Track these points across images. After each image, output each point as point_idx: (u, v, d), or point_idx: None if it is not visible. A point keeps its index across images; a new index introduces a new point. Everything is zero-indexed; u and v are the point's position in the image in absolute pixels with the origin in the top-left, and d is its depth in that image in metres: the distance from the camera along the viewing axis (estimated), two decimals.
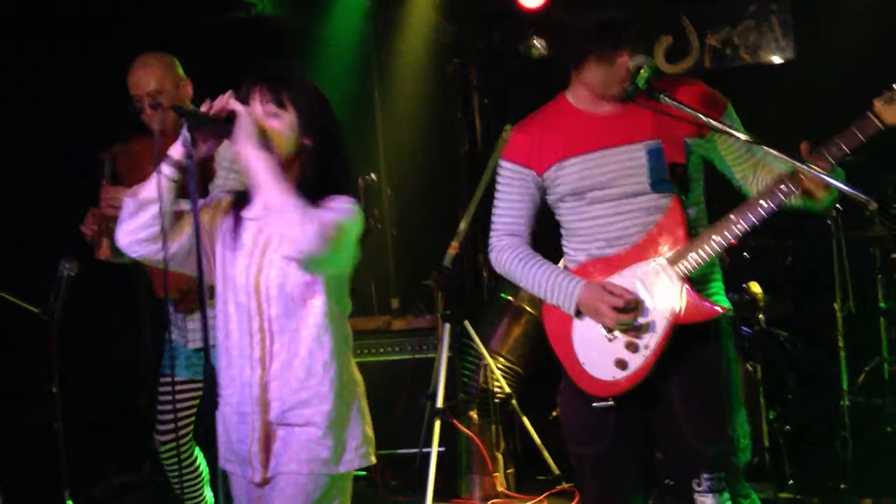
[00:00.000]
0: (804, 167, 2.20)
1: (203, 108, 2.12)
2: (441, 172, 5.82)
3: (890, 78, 2.82)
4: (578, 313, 2.42)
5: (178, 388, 3.23)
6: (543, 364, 4.88)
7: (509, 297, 4.78)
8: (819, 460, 4.28)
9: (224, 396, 2.21)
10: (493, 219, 2.58)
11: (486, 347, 4.50)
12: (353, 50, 5.67)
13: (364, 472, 4.63)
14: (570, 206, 2.47)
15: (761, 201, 2.30)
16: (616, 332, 2.37)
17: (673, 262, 2.34)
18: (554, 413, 5.10)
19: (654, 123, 2.37)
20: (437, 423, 4.04)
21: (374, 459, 2.29)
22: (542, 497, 4.32)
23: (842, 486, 3.88)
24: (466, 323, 4.40)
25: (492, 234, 2.58)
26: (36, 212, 3.26)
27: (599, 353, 2.39)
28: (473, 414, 4.46)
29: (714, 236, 2.33)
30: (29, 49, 4.42)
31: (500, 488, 4.40)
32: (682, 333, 2.33)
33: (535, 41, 5.72)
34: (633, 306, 2.32)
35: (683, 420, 2.38)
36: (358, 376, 2.30)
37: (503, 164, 2.54)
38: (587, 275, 2.42)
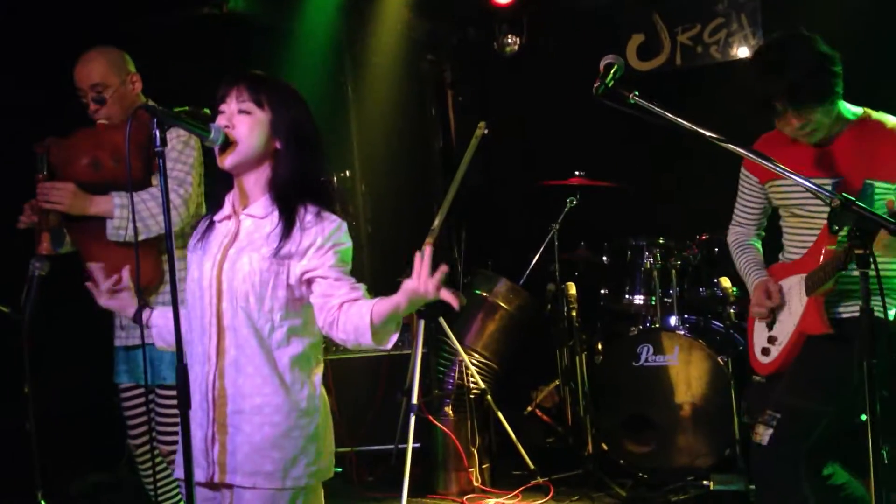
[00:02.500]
0: (769, 164, 2.24)
1: None
2: (415, 169, 5.83)
3: (859, 72, 2.88)
4: None
5: (126, 395, 3.20)
6: (518, 360, 4.97)
7: (484, 294, 4.81)
8: None
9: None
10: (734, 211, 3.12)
11: (461, 343, 4.52)
12: (327, 46, 5.65)
13: (340, 469, 4.64)
14: (782, 217, 2.96)
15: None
16: (773, 325, 2.84)
17: (808, 279, 2.72)
18: (528, 409, 5.15)
19: (846, 162, 2.70)
20: (413, 419, 4.06)
21: (330, 474, 2.23)
22: (517, 492, 4.35)
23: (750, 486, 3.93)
24: (441, 319, 4.42)
25: (731, 222, 3.13)
26: (5, 211, 3.23)
27: (758, 338, 2.93)
28: (449, 410, 4.48)
29: (835, 261, 2.58)
30: None
31: (475, 483, 4.43)
32: (821, 339, 2.68)
33: (508, 38, 5.75)
34: (772, 305, 2.82)
35: (785, 378, 2.80)
36: (324, 394, 2.24)
37: (741, 170, 3.00)
38: (772, 273, 2.93)
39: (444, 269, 1.96)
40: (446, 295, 1.97)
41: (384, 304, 2.05)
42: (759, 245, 3.08)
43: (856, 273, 2.31)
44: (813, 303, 2.70)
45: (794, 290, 2.79)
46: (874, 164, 2.66)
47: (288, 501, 2.13)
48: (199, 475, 2.15)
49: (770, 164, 2.26)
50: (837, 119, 2.71)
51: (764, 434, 2.67)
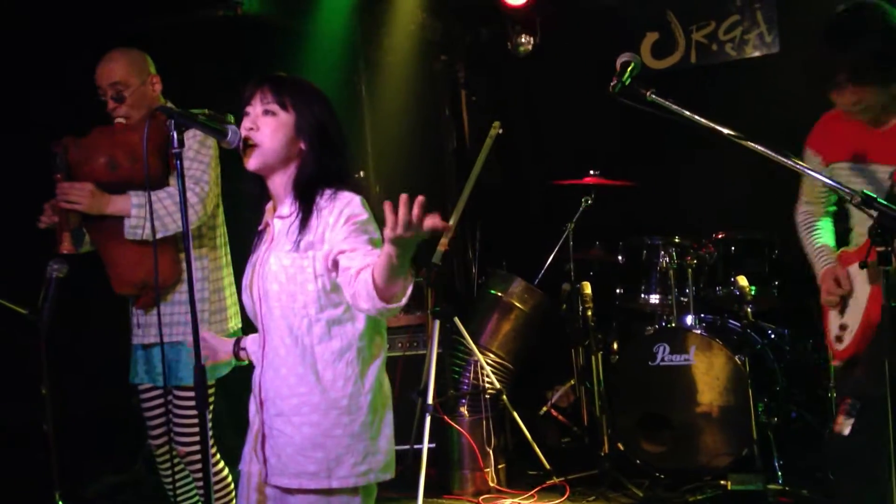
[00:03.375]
0: (788, 162, 2.22)
1: None
2: (429, 169, 5.83)
3: None
4: None
5: (145, 395, 3.22)
6: (533, 360, 4.96)
7: (499, 293, 4.80)
8: (807, 452, 4.32)
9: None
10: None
11: (476, 343, 4.51)
12: (340, 48, 5.67)
13: None
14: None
15: None
16: (844, 311, 2.78)
17: (871, 266, 2.56)
18: (544, 408, 5.14)
19: None
20: (428, 420, 4.06)
21: (388, 476, 2.21)
22: (532, 492, 4.34)
23: (830, 476, 3.91)
24: (456, 319, 4.41)
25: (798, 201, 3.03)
26: (24, 213, 3.25)
27: (832, 325, 2.87)
28: (464, 410, 4.47)
29: None
30: (15, 45, 4.40)
31: (491, 483, 4.42)
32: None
33: (522, 37, 5.75)
34: (842, 293, 2.76)
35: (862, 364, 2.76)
36: (385, 388, 2.22)
37: (804, 148, 2.88)
38: (841, 259, 2.84)
39: (419, 200, 1.86)
40: (428, 223, 1.86)
41: (379, 261, 1.96)
42: (829, 225, 2.96)
43: None
44: (877, 291, 2.64)
45: (860, 277, 2.73)
46: None
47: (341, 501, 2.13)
48: (255, 470, 2.23)
49: (788, 161, 2.24)
50: (893, 101, 2.65)
51: (844, 424, 2.66)
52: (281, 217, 2.22)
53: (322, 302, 2.13)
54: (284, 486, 2.15)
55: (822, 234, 2.92)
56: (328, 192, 2.17)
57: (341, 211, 2.13)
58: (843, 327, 2.80)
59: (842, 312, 2.82)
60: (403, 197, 1.85)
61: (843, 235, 2.94)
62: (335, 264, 2.11)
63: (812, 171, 2.23)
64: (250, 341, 2.35)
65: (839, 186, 2.19)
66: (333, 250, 2.10)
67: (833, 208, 2.97)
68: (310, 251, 2.13)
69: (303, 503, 2.14)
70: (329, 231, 2.11)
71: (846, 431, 2.67)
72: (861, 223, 2.78)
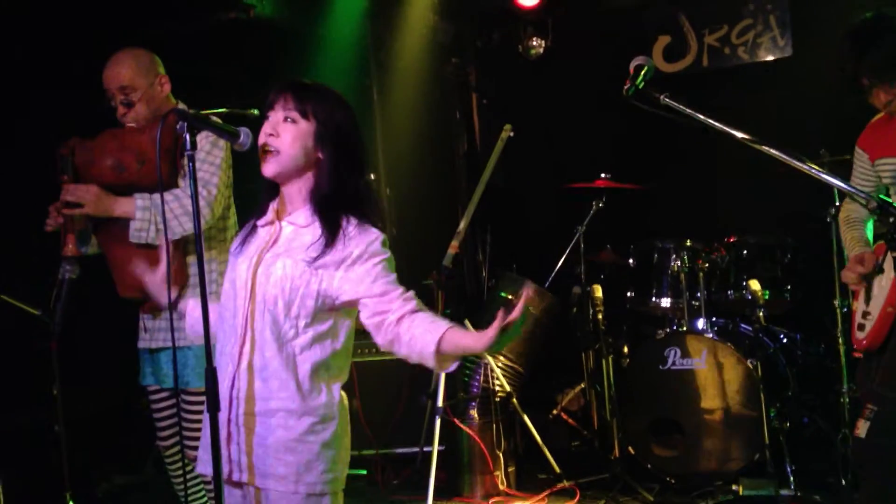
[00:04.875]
0: (803, 166, 2.21)
1: None
2: (440, 172, 5.83)
3: None
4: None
5: (153, 397, 3.21)
6: (543, 363, 4.95)
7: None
8: (819, 456, 4.30)
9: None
10: None
11: None
12: (352, 51, 5.68)
13: (364, 471, 4.65)
14: (892, 194, 2.89)
15: None
16: (868, 300, 2.84)
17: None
18: (554, 412, 5.13)
19: None
20: (438, 422, 4.05)
21: (343, 485, 2.23)
22: (542, 495, 4.33)
23: (843, 481, 3.89)
24: (466, 322, 4.40)
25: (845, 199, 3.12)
26: (37, 214, 3.27)
27: (858, 313, 2.92)
28: (474, 413, 4.47)
29: None
30: (29, 48, 4.42)
31: (501, 487, 4.41)
32: None
33: (533, 40, 5.74)
34: (863, 272, 2.80)
35: (880, 367, 2.79)
36: (344, 403, 2.24)
37: (856, 146, 2.98)
38: (878, 250, 2.87)
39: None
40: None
41: (457, 339, 2.07)
42: (870, 223, 3.04)
43: None
44: None
45: (890, 265, 2.79)
46: None
47: None
48: (224, 469, 2.16)
49: (802, 165, 2.22)
50: None
51: (863, 428, 2.70)
52: (294, 224, 2.20)
53: (314, 318, 2.15)
54: (249, 483, 2.14)
55: (860, 229, 3.00)
56: (355, 220, 2.16)
57: (368, 247, 2.14)
58: (865, 315, 2.86)
59: (867, 301, 2.87)
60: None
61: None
62: (350, 302, 2.14)
63: (825, 174, 2.20)
64: (196, 310, 2.32)
65: (854, 191, 2.19)
66: (356, 288, 2.12)
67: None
68: (321, 270, 2.13)
69: (271, 502, 2.14)
70: (350, 262, 2.12)
71: (864, 435, 2.70)
72: None
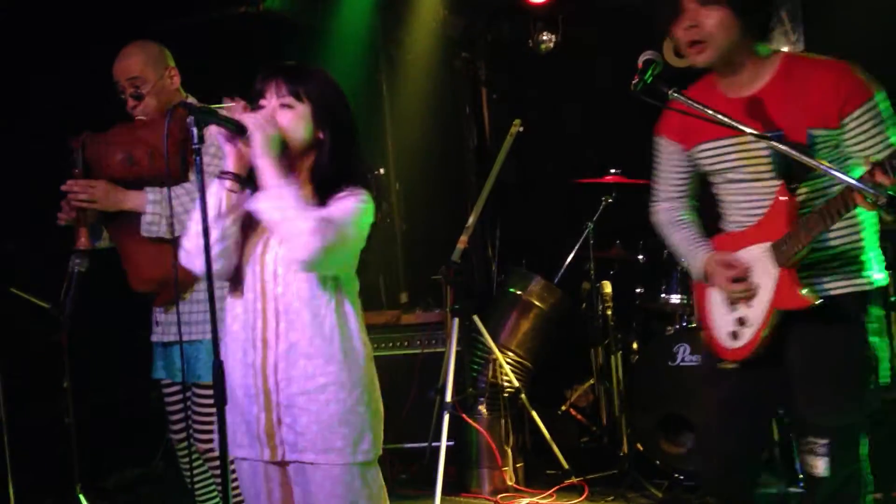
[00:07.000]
0: (812, 161, 2.20)
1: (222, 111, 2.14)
2: (449, 167, 5.82)
3: None
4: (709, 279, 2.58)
5: (166, 391, 3.23)
6: (552, 359, 4.94)
7: (518, 292, 4.78)
8: None
9: (234, 379, 2.21)
10: (653, 188, 2.79)
11: (495, 342, 4.50)
12: (361, 45, 5.67)
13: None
14: (715, 183, 2.63)
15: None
16: (736, 304, 2.50)
17: (776, 248, 2.41)
18: (563, 408, 5.12)
19: (780, 112, 2.39)
20: (447, 418, 4.05)
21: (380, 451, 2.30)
22: (551, 491, 4.33)
23: None
24: (475, 317, 4.41)
25: (651, 200, 2.80)
26: (46, 208, 3.28)
27: (722, 321, 2.55)
28: (482, 408, 4.47)
29: (810, 225, 2.32)
30: (33, 42, 4.43)
31: (509, 482, 4.41)
32: (800, 314, 2.39)
33: (543, 35, 5.72)
34: (745, 279, 2.45)
35: (798, 388, 2.47)
36: (369, 351, 2.29)
37: (655, 138, 2.70)
38: (718, 246, 2.60)
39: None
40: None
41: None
42: (695, 218, 2.74)
43: (834, 241, 2.36)
44: (787, 275, 2.37)
45: (759, 262, 2.44)
46: (810, 111, 2.35)
47: (359, 476, 2.20)
48: (266, 455, 2.20)
49: (812, 161, 2.20)
50: (750, 57, 2.44)
51: (818, 464, 2.43)
52: None
53: (340, 290, 2.20)
54: (310, 461, 2.17)
55: (691, 227, 2.70)
56: (347, 188, 2.18)
57: (350, 193, 2.17)
58: (741, 321, 2.48)
59: (733, 306, 2.51)
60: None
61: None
62: None
63: (835, 170, 2.18)
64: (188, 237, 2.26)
65: (862, 186, 2.09)
66: None
67: (695, 202, 2.76)
68: None
69: (327, 477, 2.17)
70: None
71: (822, 471, 2.43)
72: (734, 207, 2.57)
